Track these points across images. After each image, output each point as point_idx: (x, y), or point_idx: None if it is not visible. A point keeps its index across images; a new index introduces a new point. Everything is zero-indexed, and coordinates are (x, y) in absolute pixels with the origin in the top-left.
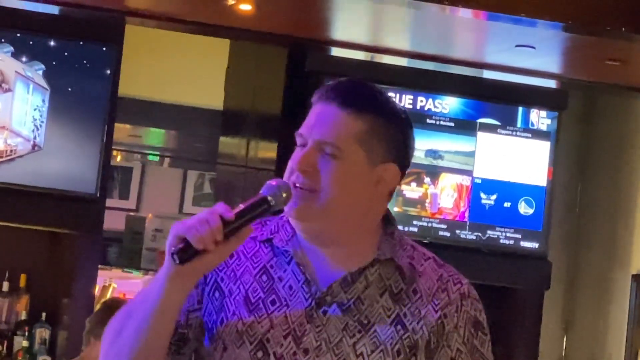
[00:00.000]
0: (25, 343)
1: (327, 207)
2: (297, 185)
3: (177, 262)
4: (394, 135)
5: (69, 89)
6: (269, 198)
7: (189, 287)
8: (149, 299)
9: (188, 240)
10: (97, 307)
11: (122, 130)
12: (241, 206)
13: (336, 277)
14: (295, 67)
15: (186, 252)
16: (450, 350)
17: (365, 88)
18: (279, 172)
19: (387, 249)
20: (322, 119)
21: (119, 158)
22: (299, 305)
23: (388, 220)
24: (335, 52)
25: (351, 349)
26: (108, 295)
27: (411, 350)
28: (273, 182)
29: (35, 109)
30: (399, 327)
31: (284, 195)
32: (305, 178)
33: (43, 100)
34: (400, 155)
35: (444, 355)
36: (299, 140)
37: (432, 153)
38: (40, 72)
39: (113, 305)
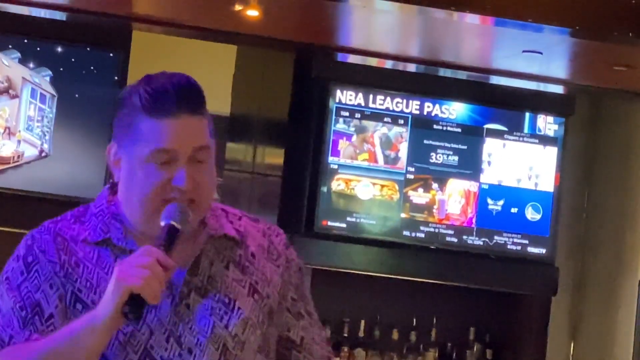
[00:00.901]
0: None
1: (204, 209)
2: (181, 200)
3: (134, 319)
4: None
5: (76, 95)
6: (177, 225)
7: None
8: (77, 345)
9: (140, 296)
10: None
11: None
12: (161, 245)
13: (180, 266)
14: (302, 73)
15: (141, 309)
16: (285, 301)
17: (193, 83)
18: (286, 177)
19: (213, 223)
20: (186, 130)
21: None
22: (165, 305)
23: None
24: (342, 58)
25: (225, 331)
26: None
27: (270, 315)
28: (171, 207)
29: (42, 115)
30: (256, 296)
31: (185, 215)
32: (189, 193)
33: (50, 107)
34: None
35: (284, 305)
36: (162, 156)
37: (440, 159)
38: (48, 79)
39: None
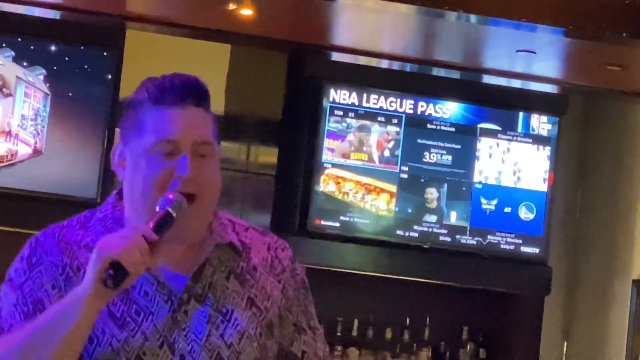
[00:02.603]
0: None
1: (207, 208)
2: (182, 193)
3: (112, 287)
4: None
5: (70, 94)
6: (172, 212)
7: (101, 308)
8: (62, 322)
9: (120, 264)
10: None
11: None
12: (151, 224)
13: (182, 272)
14: (295, 72)
15: (119, 277)
16: (292, 315)
17: (200, 84)
18: (279, 176)
19: (221, 233)
20: (191, 121)
21: None
22: (162, 310)
23: None
24: (336, 57)
25: (221, 340)
26: None
27: (269, 328)
28: (170, 196)
29: (36, 114)
30: (254, 309)
31: (183, 206)
32: (190, 185)
33: (44, 105)
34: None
35: (286, 320)
36: (166, 147)
37: (433, 158)
38: (41, 77)
39: None
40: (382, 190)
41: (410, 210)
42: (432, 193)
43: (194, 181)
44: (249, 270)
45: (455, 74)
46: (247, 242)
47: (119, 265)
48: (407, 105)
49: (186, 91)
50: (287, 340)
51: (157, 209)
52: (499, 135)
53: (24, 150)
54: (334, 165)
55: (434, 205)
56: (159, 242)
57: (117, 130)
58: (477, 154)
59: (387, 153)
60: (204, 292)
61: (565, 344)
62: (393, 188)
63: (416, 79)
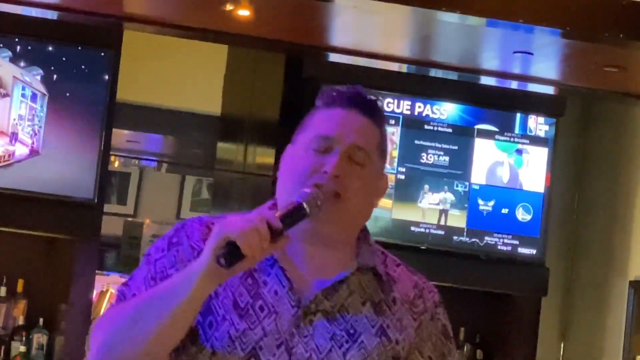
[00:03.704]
0: (22, 348)
1: (350, 213)
2: (325, 188)
3: (225, 264)
4: (388, 147)
5: (67, 94)
6: (305, 206)
7: (218, 285)
8: (174, 294)
9: (237, 245)
10: (96, 311)
11: (120, 136)
12: (279, 213)
13: (319, 283)
14: (293, 73)
15: (234, 256)
16: (422, 357)
17: (373, 98)
18: (277, 177)
19: (367, 257)
20: (351, 124)
21: (116, 163)
22: (287, 313)
23: (364, 226)
24: (333, 58)
25: (341, 358)
26: (105, 301)
27: None
28: (307, 189)
29: (33, 114)
30: (383, 338)
31: (319, 203)
32: (335, 183)
33: (41, 106)
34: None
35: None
36: (322, 143)
37: (431, 159)
38: (39, 77)
39: None
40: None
41: (407, 212)
42: (429, 194)
43: (338, 180)
44: (388, 301)
45: (453, 75)
46: (394, 275)
47: (235, 245)
48: (405, 106)
49: (356, 98)
50: None
51: (293, 198)
52: (496, 137)
53: (21, 151)
54: None
55: (431, 206)
56: (284, 232)
57: (114, 130)
58: (474, 155)
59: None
60: (333, 311)
61: (562, 345)
62: (390, 189)
63: (413, 80)
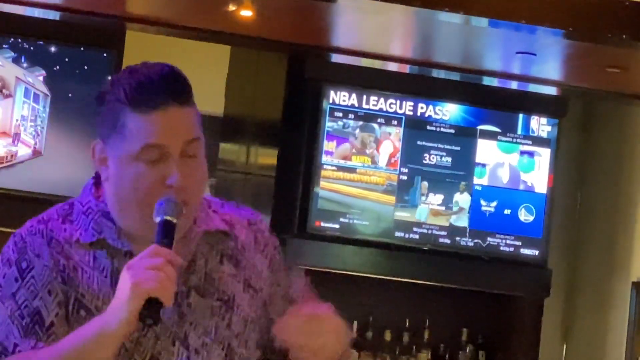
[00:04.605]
0: None
1: (194, 209)
2: (177, 202)
3: (154, 324)
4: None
5: (70, 95)
6: (170, 219)
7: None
8: (82, 355)
9: (157, 299)
10: None
11: None
12: (159, 239)
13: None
14: (295, 73)
15: (158, 312)
16: (277, 289)
17: (178, 72)
18: (279, 178)
19: (203, 216)
20: (174, 122)
21: None
22: (167, 307)
23: None
24: (335, 58)
25: (229, 331)
26: None
27: (265, 307)
28: (161, 202)
29: (35, 115)
30: (251, 291)
31: (178, 208)
32: (180, 194)
33: (44, 106)
34: None
35: (276, 295)
36: (153, 153)
37: (433, 160)
38: (41, 78)
39: None
40: (382, 192)
41: (409, 212)
42: (431, 195)
43: (185, 188)
44: (239, 249)
45: (455, 76)
46: (229, 220)
47: (156, 300)
48: (407, 107)
49: (167, 92)
50: (281, 313)
51: (157, 219)
52: (499, 137)
53: (23, 151)
54: (334, 166)
55: (433, 207)
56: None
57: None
58: (476, 155)
59: (387, 154)
60: (201, 283)
61: (564, 346)
62: (393, 190)
63: (416, 81)
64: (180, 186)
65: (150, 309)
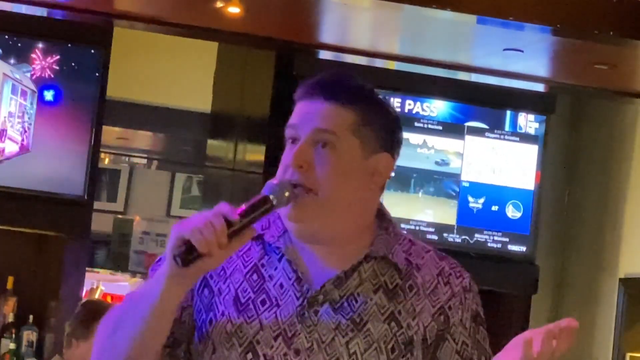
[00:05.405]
0: (12, 345)
1: (325, 206)
2: (293, 183)
3: (180, 265)
4: (386, 125)
5: (57, 91)
6: (272, 197)
7: (188, 287)
8: (147, 298)
9: (191, 243)
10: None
11: (110, 133)
12: (243, 206)
13: (329, 276)
14: (283, 70)
15: (189, 255)
16: (455, 344)
17: (349, 80)
18: (267, 175)
19: (381, 245)
20: (313, 111)
21: (106, 161)
22: (290, 305)
23: (382, 214)
24: (323, 55)
25: (344, 348)
26: (96, 298)
27: (406, 347)
28: (274, 181)
29: (23, 111)
30: (392, 324)
31: (287, 194)
32: (301, 175)
33: (31, 103)
34: (392, 144)
35: (449, 348)
36: (289, 133)
37: (420, 156)
38: (29, 74)
39: (93, 308)
40: None
41: (397, 209)
42: (419, 191)
43: (303, 170)
44: (404, 288)
45: (443, 72)
46: (419, 263)
47: (191, 244)
48: (395, 104)
49: (319, 87)
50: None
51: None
52: (487, 134)
53: (11, 148)
54: None
55: (421, 203)
56: (249, 225)
57: (104, 127)
58: (464, 152)
59: None
60: (341, 300)
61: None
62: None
63: (404, 77)
64: (298, 165)
65: (185, 251)
